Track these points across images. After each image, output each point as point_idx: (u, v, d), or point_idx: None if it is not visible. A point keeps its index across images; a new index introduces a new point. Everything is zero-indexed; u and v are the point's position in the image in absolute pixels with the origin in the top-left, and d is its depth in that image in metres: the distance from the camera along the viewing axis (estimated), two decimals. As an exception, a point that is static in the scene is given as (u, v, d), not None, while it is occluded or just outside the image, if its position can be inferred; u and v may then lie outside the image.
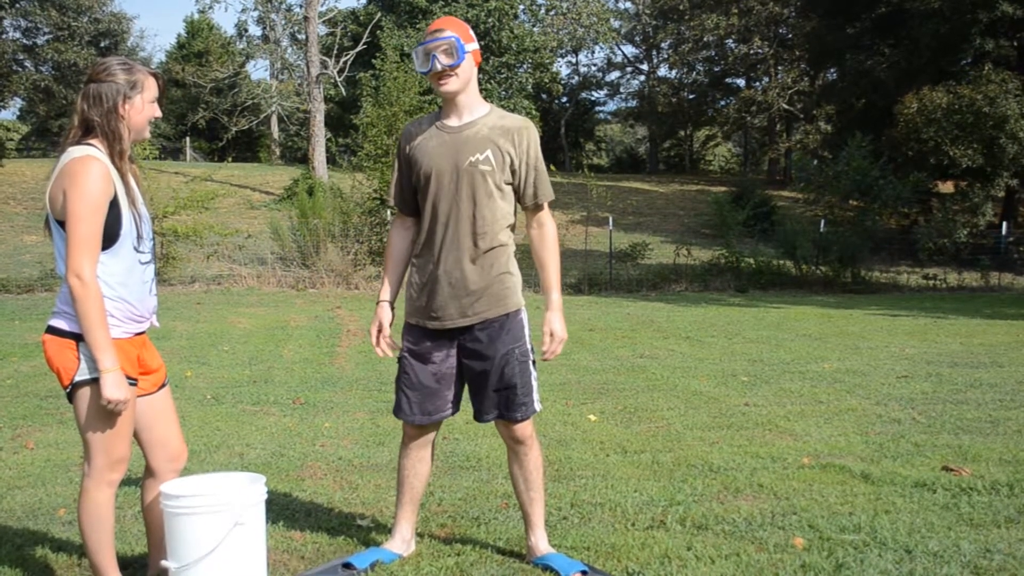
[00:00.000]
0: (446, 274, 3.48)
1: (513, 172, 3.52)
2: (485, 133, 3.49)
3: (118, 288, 3.08)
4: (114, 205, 3.04)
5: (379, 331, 3.64)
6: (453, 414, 3.68)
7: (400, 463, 3.71)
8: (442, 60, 3.42)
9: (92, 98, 3.09)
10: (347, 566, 3.54)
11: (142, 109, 3.16)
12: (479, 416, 3.59)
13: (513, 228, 3.61)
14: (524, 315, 3.64)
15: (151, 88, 3.18)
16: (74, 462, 5.24)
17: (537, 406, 3.61)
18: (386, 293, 3.67)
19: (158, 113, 3.23)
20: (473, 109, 3.54)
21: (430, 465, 3.75)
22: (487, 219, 3.48)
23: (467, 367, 3.57)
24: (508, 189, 3.54)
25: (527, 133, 3.54)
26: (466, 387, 3.64)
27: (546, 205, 3.62)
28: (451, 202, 3.47)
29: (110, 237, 3.03)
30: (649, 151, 54.36)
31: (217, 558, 3.08)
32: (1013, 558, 3.65)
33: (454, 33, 3.43)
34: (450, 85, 3.46)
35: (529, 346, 3.61)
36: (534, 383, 3.61)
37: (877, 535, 3.91)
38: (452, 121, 3.54)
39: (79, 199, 2.95)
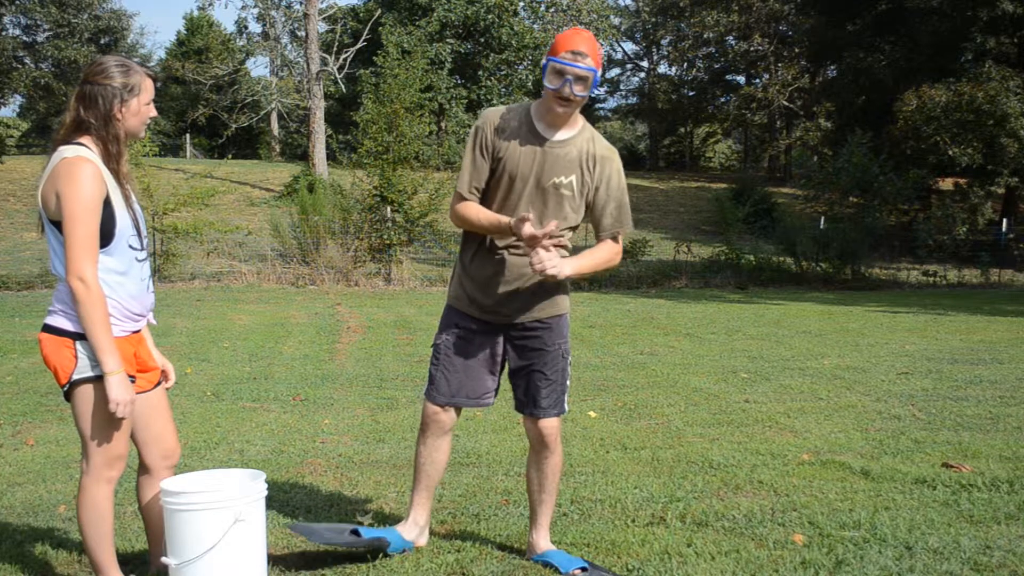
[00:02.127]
0: (515, 281, 3.47)
1: (591, 199, 3.51)
2: (575, 155, 3.47)
3: (116, 287, 3.09)
4: (107, 204, 3.03)
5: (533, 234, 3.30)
6: (490, 404, 3.70)
7: (418, 450, 3.71)
8: (577, 90, 3.35)
9: (87, 100, 3.07)
10: (354, 532, 3.60)
11: (138, 111, 3.14)
12: (523, 407, 3.63)
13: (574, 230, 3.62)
14: (568, 318, 3.69)
15: (148, 90, 3.16)
16: (74, 459, 5.24)
17: (567, 406, 3.68)
18: (504, 217, 3.44)
19: (153, 113, 3.21)
20: (571, 126, 3.50)
21: (447, 455, 3.75)
22: (560, 235, 3.48)
23: (515, 359, 3.60)
24: (581, 209, 3.54)
25: (611, 163, 3.52)
26: (510, 379, 3.67)
27: (619, 236, 3.59)
28: (526, 211, 3.42)
29: (105, 236, 3.03)
30: (649, 148, 54.36)
31: (217, 555, 3.09)
32: (1013, 554, 3.65)
33: (595, 66, 3.35)
34: (567, 108, 3.41)
35: (569, 345, 3.67)
36: (569, 383, 3.66)
37: (877, 531, 3.91)
38: (549, 132, 3.47)
39: (74, 201, 2.95)
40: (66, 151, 3.02)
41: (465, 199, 3.51)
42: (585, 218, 3.63)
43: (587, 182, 3.49)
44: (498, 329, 3.58)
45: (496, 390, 3.68)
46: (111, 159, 3.10)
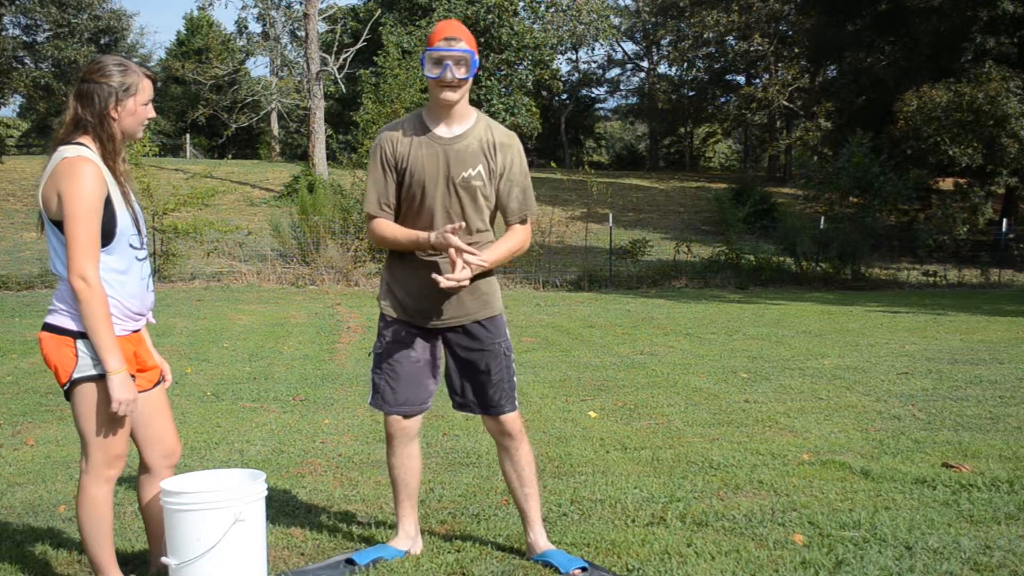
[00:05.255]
0: (438, 285, 3.48)
1: (498, 186, 3.57)
2: (476, 147, 3.52)
3: (117, 286, 3.10)
4: (107, 204, 3.04)
5: (453, 244, 3.37)
6: (430, 408, 3.74)
7: (390, 463, 3.73)
8: (456, 73, 3.42)
9: (84, 98, 3.09)
10: (349, 562, 3.55)
11: (134, 111, 3.15)
12: (462, 407, 3.69)
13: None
14: (504, 317, 3.73)
15: (145, 90, 3.16)
16: (74, 459, 5.25)
17: (516, 402, 3.69)
18: (422, 233, 3.48)
19: (151, 115, 3.22)
20: (464, 119, 3.55)
21: (420, 459, 3.77)
22: (479, 228, 3.56)
23: (453, 362, 3.64)
24: (493, 200, 3.60)
25: (512, 149, 3.58)
26: (448, 381, 3.71)
27: (527, 220, 3.66)
28: (444, 212, 3.50)
29: (106, 235, 3.04)
30: (649, 148, 54.35)
31: (217, 555, 3.09)
32: (1013, 554, 3.65)
33: (469, 47, 3.44)
34: (453, 95, 3.46)
35: (510, 342, 3.70)
36: (515, 379, 3.70)
37: (877, 531, 3.91)
38: (442, 131, 3.53)
39: (75, 201, 2.95)
40: (67, 151, 3.03)
41: (376, 217, 3.57)
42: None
43: (493, 169, 3.54)
44: (435, 333, 3.61)
45: (432, 393, 3.72)
46: (108, 157, 3.11)
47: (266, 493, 3.28)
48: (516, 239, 3.62)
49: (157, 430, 3.35)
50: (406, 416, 3.66)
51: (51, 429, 6.12)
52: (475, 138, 3.53)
